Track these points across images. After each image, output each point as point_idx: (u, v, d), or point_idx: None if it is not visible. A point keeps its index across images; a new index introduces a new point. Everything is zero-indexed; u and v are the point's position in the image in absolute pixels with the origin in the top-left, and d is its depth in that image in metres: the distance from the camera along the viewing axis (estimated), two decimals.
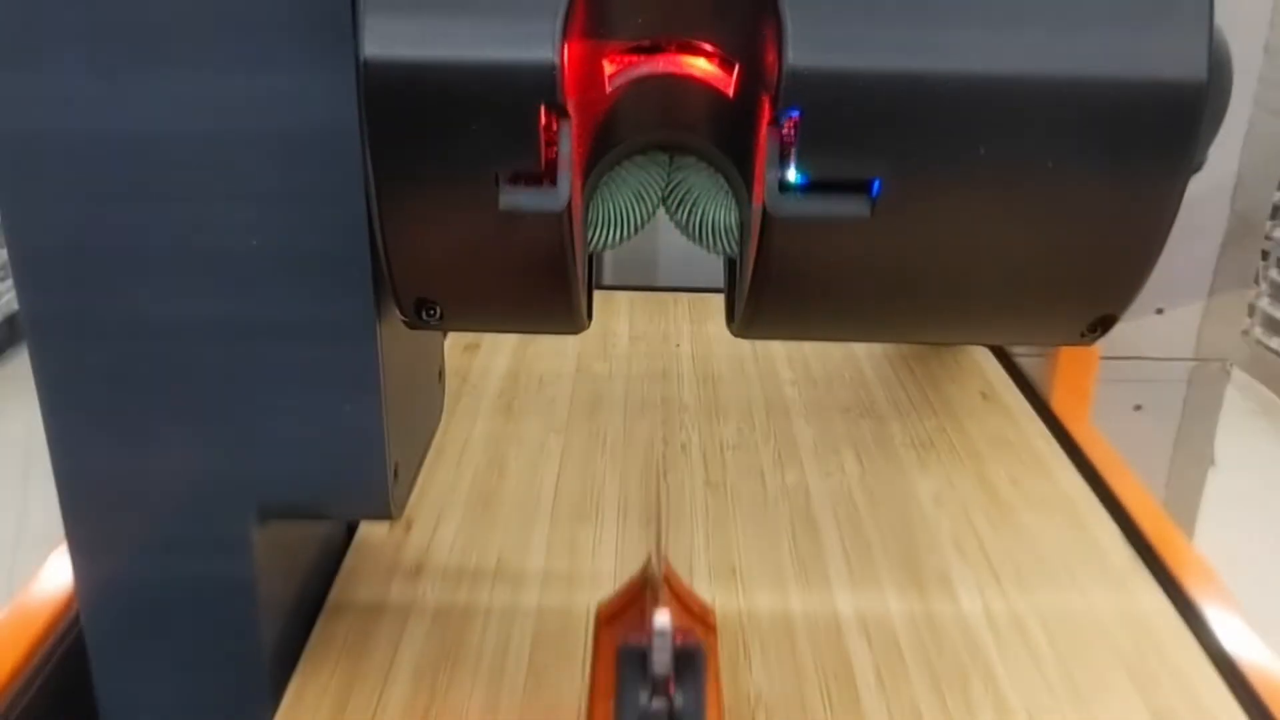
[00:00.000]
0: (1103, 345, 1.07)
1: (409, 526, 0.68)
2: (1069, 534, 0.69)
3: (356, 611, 0.60)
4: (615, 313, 1.03)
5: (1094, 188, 0.40)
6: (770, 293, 0.43)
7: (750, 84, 0.40)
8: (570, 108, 0.38)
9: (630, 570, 0.64)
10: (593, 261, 0.46)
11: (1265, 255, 2.41)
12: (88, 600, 0.50)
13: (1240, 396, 2.34)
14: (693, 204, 0.44)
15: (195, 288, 0.44)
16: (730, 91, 0.40)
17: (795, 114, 0.38)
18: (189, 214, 0.43)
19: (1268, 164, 1.04)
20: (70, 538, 0.49)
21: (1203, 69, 0.38)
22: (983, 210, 0.40)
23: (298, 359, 0.45)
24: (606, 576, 0.64)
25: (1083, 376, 0.93)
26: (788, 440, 0.80)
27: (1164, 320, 1.12)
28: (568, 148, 0.38)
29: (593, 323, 0.47)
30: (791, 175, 0.39)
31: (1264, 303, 2.41)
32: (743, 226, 0.44)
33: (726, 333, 0.47)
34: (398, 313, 0.44)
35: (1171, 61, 0.38)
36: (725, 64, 0.40)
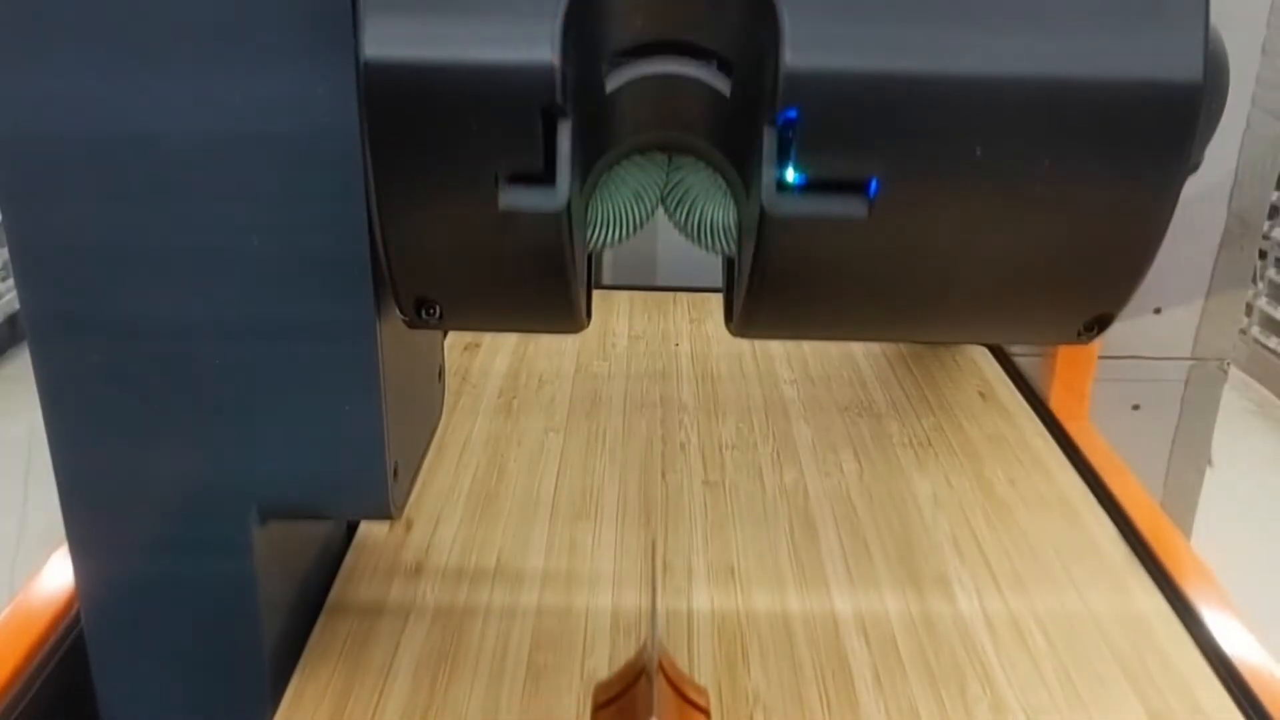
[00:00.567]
0: (1100, 345, 1.07)
1: (409, 526, 0.68)
2: (1066, 533, 0.69)
3: (356, 611, 0.60)
4: (615, 312, 1.03)
5: (1090, 188, 0.40)
6: (768, 292, 0.43)
7: (748, 84, 0.40)
8: (569, 108, 0.38)
9: (629, 570, 0.64)
10: (592, 261, 0.47)
11: (1263, 255, 2.41)
12: (88, 600, 0.51)
13: (1238, 396, 2.34)
14: (691, 204, 0.44)
15: (196, 288, 0.44)
16: (728, 92, 0.40)
17: (793, 114, 0.38)
18: (190, 214, 0.43)
19: (1265, 164, 1.04)
20: (70, 538, 0.49)
21: (1199, 70, 0.38)
22: (979, 210, 0.40)
23: (298, 359, 0.46)
24: (606, 576, 0.64)
25: (1081, 376, 0.93)
26: (786, 440, 0.80)
27: (1162, 320, 1.12)
28: (567, 148, 0.38)
29: (592, 322, 0.47)
30: (789, 175, 0.39)
31: (1262, 302, 2.42)
32: (741, 226, 0.44)
33: (725, 332, 0.48)
34: (398, 312, 0.44)
35: (1168, 63, 0.38)
36: (723, 64, 0.40)
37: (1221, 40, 0.41)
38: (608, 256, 1.14)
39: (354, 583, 0.63)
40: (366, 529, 0.67)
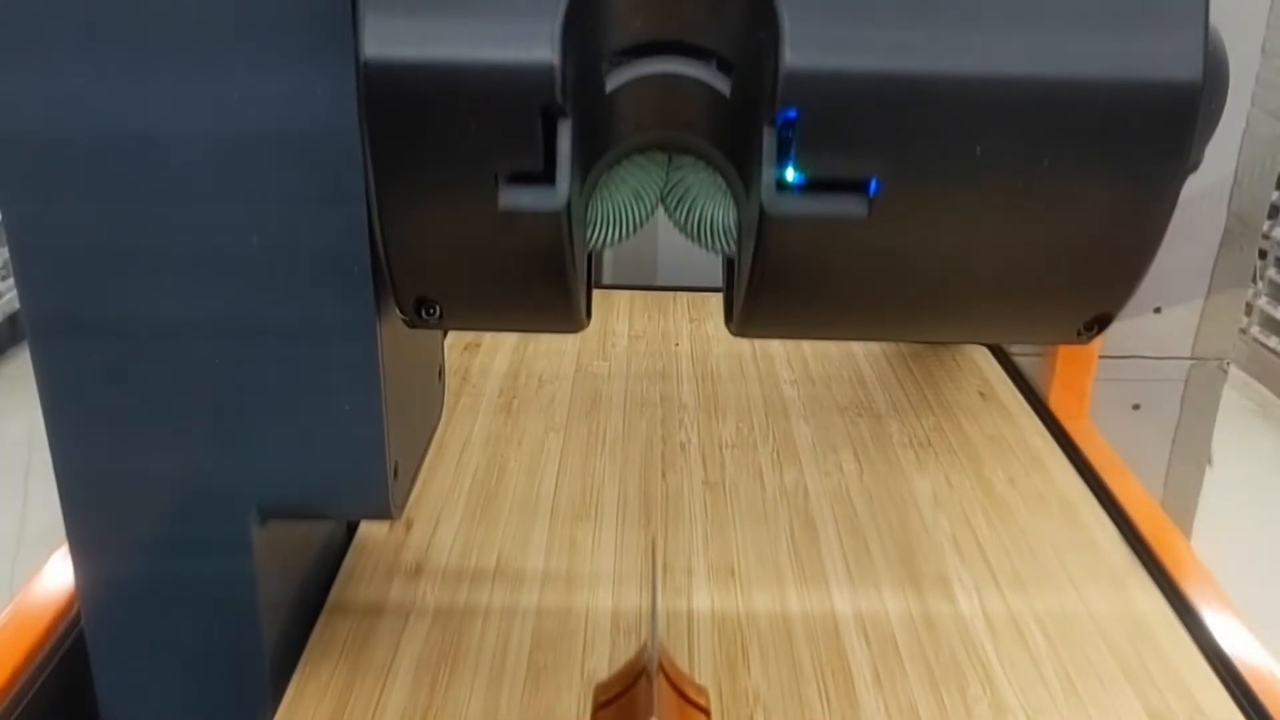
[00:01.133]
0: (1101, 344, 1.07)
1: (409, 526, 0.68)
2: (1066, 533, 0.69)
3: (357, 612, 0.60)
4: (615, 312, 1.03)
5: (1090, 188, 0.40)
6: (768, 291, 0.43)
7: (748, 84, 0.40)
8: (569, 107, 0.38)
9: (629, 570, 0.64)
10: (592, 260, 0.47)
11: (1263, 255, 2.41)
12: (88, 599, 0.51)
13: (1238, 395, 2.34)
14: (691, 203, 0.44)
15: (196, 288, 0.44)
16: (728, 91, 0.40)
17: (792, 114, 0.38)
18: (190, 214, 0.43)
19: (1265, 164, 1.04)
20: (71, 537, 0.49)
21: (1198, 70, 0.38)
22: (979, 210, 0.40)
23: (298, 359, 0.46)
24: (606, 576, 0.64)
25: (1081, 375, 0.93)
26: (786, 439, 0.80)
27: (1162, 319, 1.12)
28: (566, 147, 0.38)
29: (592, 322, 0.47)
30: (789, 175, 0.39)
31: (1262, 302, 2.42)
32: (741, 226, 0.44)
33: (725, 332, 0.48)
34: (398, 312, 0.44)
35: (1167, 63, 0.38)
36: (723, 64, 0.40)
37: (1221, 40, 0.41)
38: (608, 256, 1.14)
39: (354, 583, 0.63)
40: (367, 529, 0.67)
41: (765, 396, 0.87)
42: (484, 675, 0.56)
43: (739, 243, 0.44)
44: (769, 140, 0.39)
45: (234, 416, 0.47)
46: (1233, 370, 1.17)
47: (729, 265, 0.47)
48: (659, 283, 1.14)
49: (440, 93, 0.38)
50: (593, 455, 0.77)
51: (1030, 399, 0.87)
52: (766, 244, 0.40)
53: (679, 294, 1.08)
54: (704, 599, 0.62)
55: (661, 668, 0.47)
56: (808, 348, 0.96)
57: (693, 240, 0.45)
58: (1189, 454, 1.17)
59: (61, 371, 0.46)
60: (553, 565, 0.65)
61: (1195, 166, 0.42)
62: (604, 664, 0.56)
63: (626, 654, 0.56)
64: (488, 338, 0.95)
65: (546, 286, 0.43)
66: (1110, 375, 1.09)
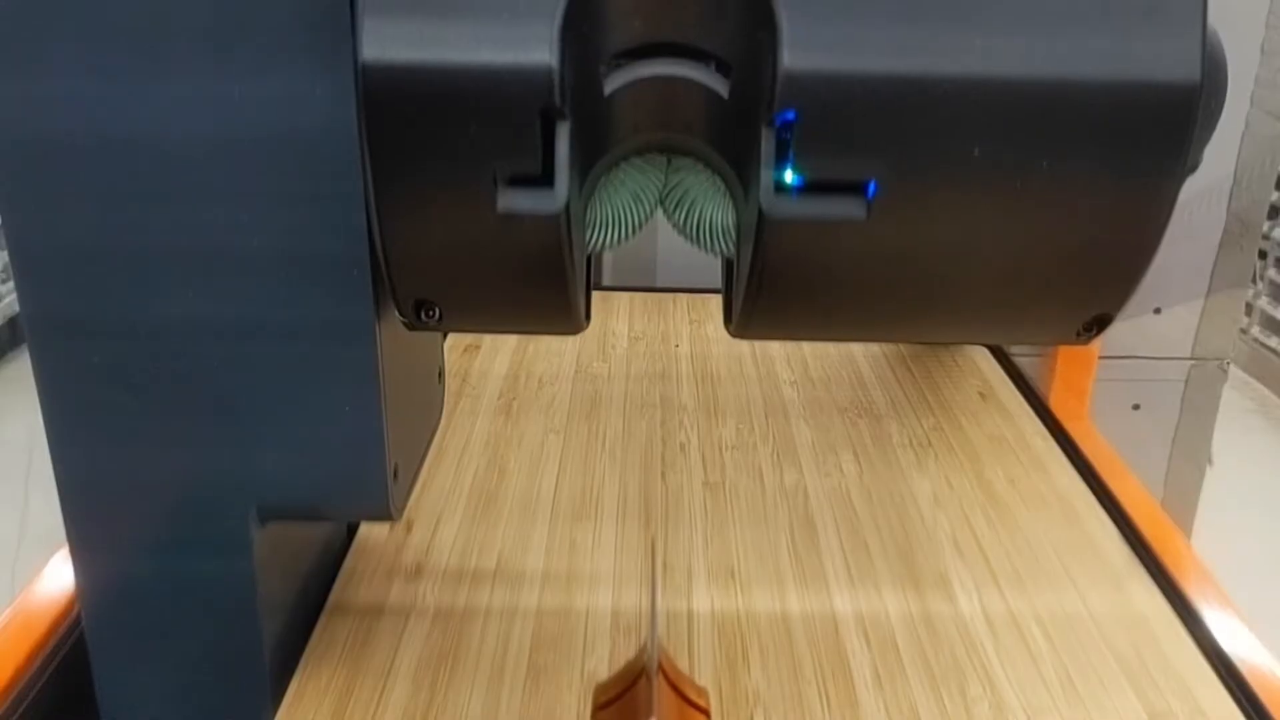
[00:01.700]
0: (1101, 344, 1.07)
1: (409, 527, 0.68)
2: (1067, 533, 0.69)
3: (357, 612, 0.60)
4: (615, 313, 1.03)
5: (1089, 189, 0.40)
6: (767, 293, 0.43)
7: (746, 86, 0.40)
8: (567, 110, 0.38)
9: (629, 570, 0.64)
10: (591, 262, 0.47)
11: (1263, 255, 2.41)
12: (89, 600, 0.51)
13: (1238, 396, 2.34)
14: (689, 205, 0.44)
15: (196, 288, 0.44)
16: (726, 93, 0.40)
17: (790, 116, 0.38)
18: (190, 215, 0.43)
19: (1265, 164, 1.04)
20: (70, 538, 0.49)
21: (1196, 71, 0.38)
22: (978, 211, 0.40)
23: (298, 359, 0.46)
24: (606, 577, 0.64)
25: (1081, 376, 0.93)
26: (786, 440, 0.80)
27: (1162, 319, 1.12)
28: (565, 150, 0.38)
29: (592, 323, 0.47)
30: (787, 177, 0.39)
31: (1262, 302, 2.42)
32: (739, 228, 0.44)
33: (725, 333, 0.48)
34: (397, 314, 0.44)
35: (1165, 63, 0.38)
36: (721, 66, 0.40)
37: (1219, 41, 0.41)
38: (608, 258, 1.14)
39: (354, 584, 0.63)
40: (367, 530, 0.67)
41: (765, 397, 0.87)
42: (484, 676, 0.56)
43: (738, 244, 0.44)
44: (767, 142, 0.38)
45: (234, 417, 0.46)
46: (1233, 370, 1.17)
47: (728, 267, 0.47)
48: (659, 284, 1.14)
49: (439, 95, 0.37)
50: (593, 456, 0.77)
51: (1030, 399, 0.87)
52: (765, 246, 0.40)
53: (679, 295, 1.08)
54: (704, 599, 0.62)
55: (661, 668, 0.47)
56: (807, 349, 0.96)
57: (692, 242, 0.45)
58: (1189, 454, 1.17)
59: (61, 372, 0.46)
60: (553, 566, 0.65)
61: (1195, 167, 0.42)
62: (604, 664, 0.56)
63: (626, 654, 0.56)
64: (487, 340, 0.95)
65: (546, 289, 0.43)
66: (1110, 375, 1.09)
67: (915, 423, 0.83)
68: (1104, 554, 0.67)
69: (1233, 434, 1.34)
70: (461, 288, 0.44)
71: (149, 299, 0.45)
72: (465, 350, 0.93)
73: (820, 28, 0.37)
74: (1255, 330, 2.43)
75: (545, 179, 0.39)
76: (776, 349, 0.95)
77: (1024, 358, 0.96)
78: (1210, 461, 1.19)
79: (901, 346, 0.97)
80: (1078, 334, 0.45)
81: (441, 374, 0.61)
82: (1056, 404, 0.88)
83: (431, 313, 0.44)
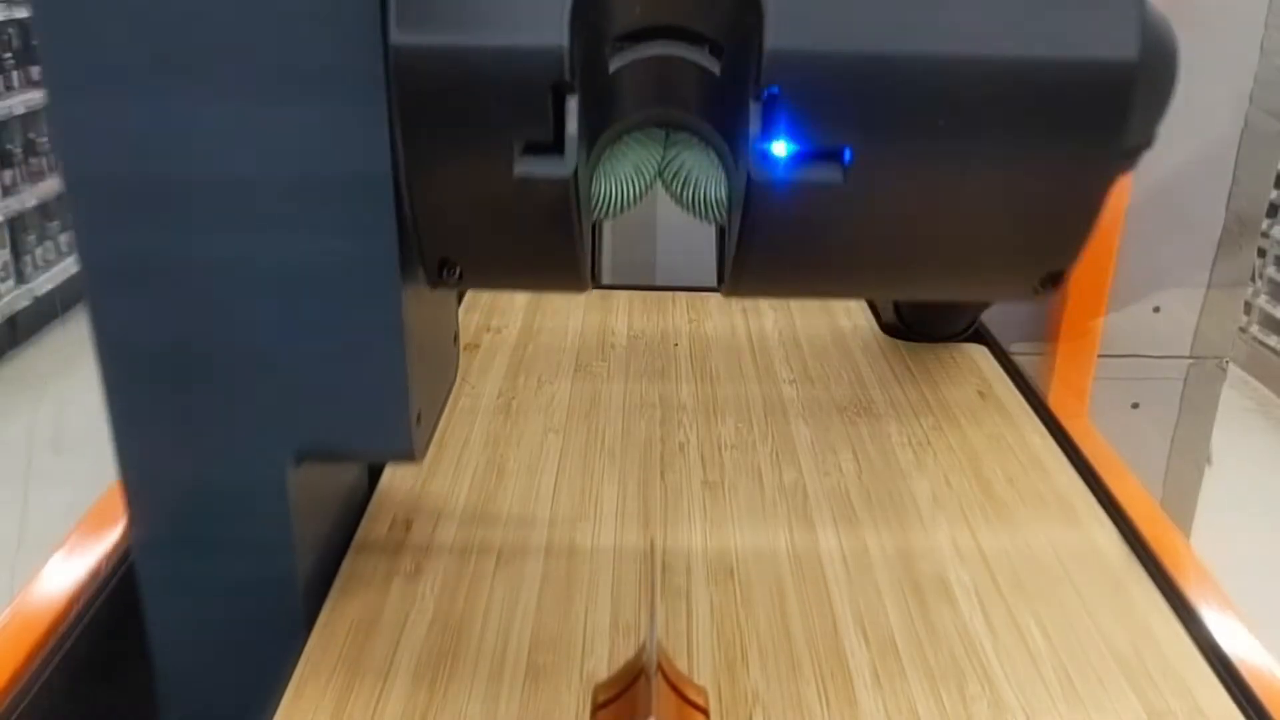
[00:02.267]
0: (1100, 343, 1.08)
1: (408, 527, 0.68)
2: (1066, 533, 0.69)
3: (357, 612, 0.60)
4: (614, 312, 1.03)
5: (1036, 159, 0.44)
6: (755, 252, 0.47)
7: (736, 64, 0.44)
8: (576, 85, 0.42)
9: (628, 571, 0.64)
10: (596, 231, 0.50)
11: (1262, 253, 2.41)
12: (139, 537, 0.55)
13: (1237, 394, 2.35)
14: (685, 177, 0.49)
15: (243, 240, 0.49)
16: (718, 71, 0.45)
17: (775, 90, 0.42)
18: (241, 183, 0.47)
19: (1264, 163, 1.04)
20: (123, 479, 0.53)
21: (1133, 49, 0.42)
22: (941, 176, 0.45)
23: (333, 313, 0.50)
24: (605, 576, 0.64)
25: (1080, 375, 0.93)
26: (785, 439, 0.80)
27: (1161, 318, 1.12)
28: (574, 121, 0.43)
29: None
30: (772, 145, 0.43)
31: (1261, 300, 2.42)
32: (731, 197, 0.48)
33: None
34: (420, 275, 0.48)
35: (1103, 42, 0.42)
36: (714, 47, 0.45)
37: (1166, 21, 0.44)
38: (608, 257, 1.14)
39: (355, 583, 0.63)
40: (366, 531, 0.67)
41: (764, 396, 0.87)
42: (483, 676, 0.56)
43: (730, 212, 0.48)
44: (754, 114, 0.43)
45: (275, 367, 0.51)
46: (1232, 369, 1.17)
47: (721, 235, 0.51)
48: (658, 283, 1.14)
49: (462, 73, 0.42)
50: (592, 456, 0.77)
51: (1030, 399, 0.87)
52: (753, 208, 0.45)
53: (678, 294, 1.08)
54: (703, 599, 0.62)
55: (660, 668, 0.47)
56: (807, 349, 0.96)
57: (688, 211, 0.50)
58: (1188, 453, 1.17)
59: (116, 320, 0.50)
60: (552, 566, 0.65)
61: (1149, 144, 0.47)
62: (603, 664, 0.56)
63: (626, 654, 0.56)
64: (487, 339, 0.95)
65: (555, 247, 0.47)
66: (1109, 374, 1.09)
67: (914, 422, 0.83)
68: (1103, 553, 0.67)
69: (1232, 433, 1.34)
70: (481, 247, 0.48)
71: (202, 253, 0.49)
72: (465, 350, 0.93)
73: (800, 11, 0.42)
74: (1254, 329, 2.44)
75: (556, 147, 0.43)
76: (776, 349, 0.95)
77: (1024, 356, 0.96)
78: (1209, 461, 1.19)
79: (900, 345, 0.97)
80: (1035, 290, 0.49)
81: (457, 338, 0.65)
82: (1055, 403, 0.88)
83: (452, 271, 0.48)
